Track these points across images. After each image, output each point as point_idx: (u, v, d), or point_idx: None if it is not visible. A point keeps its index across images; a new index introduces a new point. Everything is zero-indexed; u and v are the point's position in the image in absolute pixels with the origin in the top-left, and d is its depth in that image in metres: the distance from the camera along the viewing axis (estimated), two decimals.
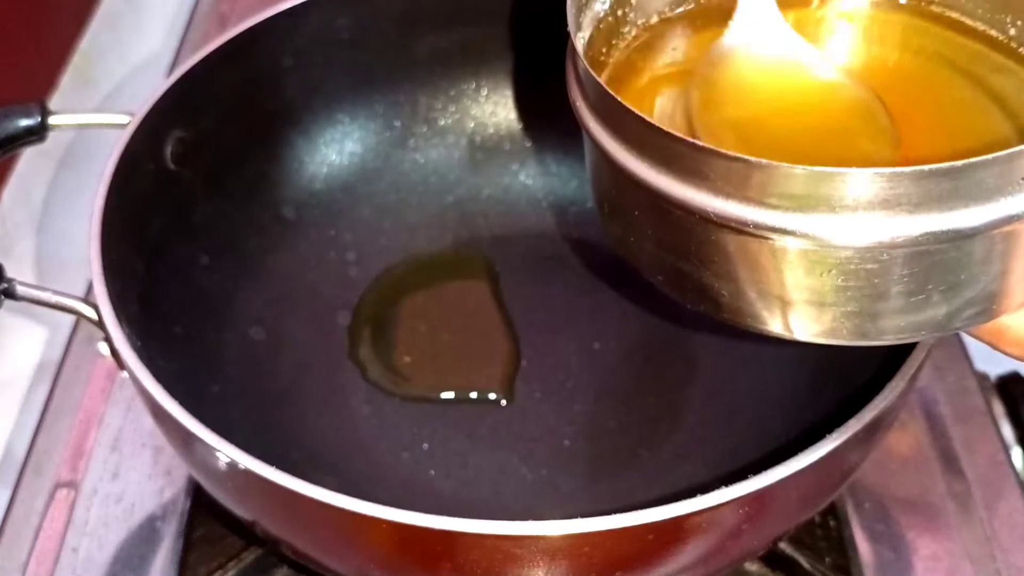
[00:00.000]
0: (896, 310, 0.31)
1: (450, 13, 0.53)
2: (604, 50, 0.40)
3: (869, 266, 0.30)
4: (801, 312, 0.32)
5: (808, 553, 0.44)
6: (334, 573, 0.38)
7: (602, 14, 0.39)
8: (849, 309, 0.31)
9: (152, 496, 0.48)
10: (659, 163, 0.32)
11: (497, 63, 0.56)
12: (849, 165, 0.29)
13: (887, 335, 0.32)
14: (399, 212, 0.56)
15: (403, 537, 0.33)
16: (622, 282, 0.54)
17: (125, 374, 0.38)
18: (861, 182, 0.28)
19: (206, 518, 0.46)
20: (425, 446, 0.47)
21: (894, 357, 0.37)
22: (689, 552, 0.35)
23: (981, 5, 0.38)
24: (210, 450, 0.34)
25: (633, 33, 0.40)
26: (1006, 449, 0.51)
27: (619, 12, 0.40)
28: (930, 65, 0.38)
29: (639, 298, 0.53)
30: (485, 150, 0.57)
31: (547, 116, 0.57)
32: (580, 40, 0.37)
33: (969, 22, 0.38)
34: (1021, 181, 0.29)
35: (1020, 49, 0.37)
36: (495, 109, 0.57)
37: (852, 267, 0.30)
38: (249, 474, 0.33)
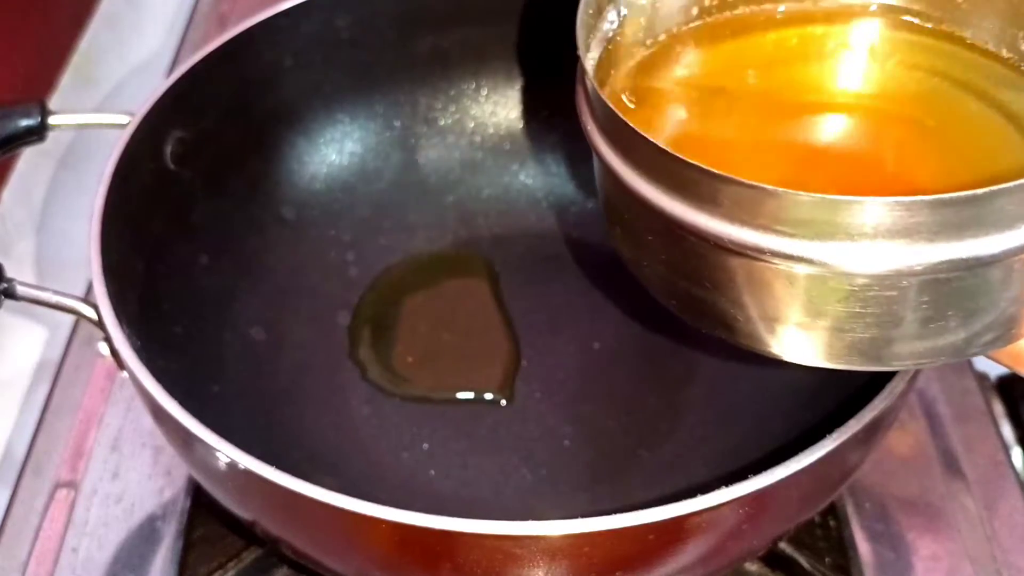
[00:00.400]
0: (913, 336, 0.31)
1: (450, 13, 0.53)
2: (612, 71, 0.39)
3: (887, 293, 0.30)
4: (818, 338, 0.32)
5: (808, 553, 0.44)
6: (334, 573, 0.38)
7: (611, 34, 0.39)
8: (867, 335, 0.31)
9: (152, 496, 0.48)
10: (673, 189, 0.32)
11: (497, 63, 0.56)
12: (855, 191, 0.29)
13: (905, 360, 0.32)
14: (399, 212, 0.56)
15: (403, 537, 0.33)
16: (622, 282, 0.53)
17: (125, 374, 0.38)
18: (880, 211, 0.28)
19: (206, 518, 0.46)
20: (425, 446, 0.47)
21: None
22: (689, 552, 0.35)
23: (992, 23, 0.38)
24: (210, 450, 0.34)
25: (641, 52, 0.40)
26: (1006, 449, 0.51)
27: (627, 31, 0.39)
28: (943, 86, 0.38)
29: (639, 298, 0.53)
30: (485, 150, 0.57)
31: (547, 116, 0.57)
32: (590, 62, 0.37)
33: (980, 43, 0.38)
34: None
35: None
36: (495, 109, 0.57)
37: (870, 294, 0.30)
38: (249, 474, 0.33)
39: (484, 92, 0.57)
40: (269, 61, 0.51)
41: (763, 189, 0.29)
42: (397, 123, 0.56)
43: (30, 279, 0.40)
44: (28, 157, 0.64)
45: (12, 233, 0.64)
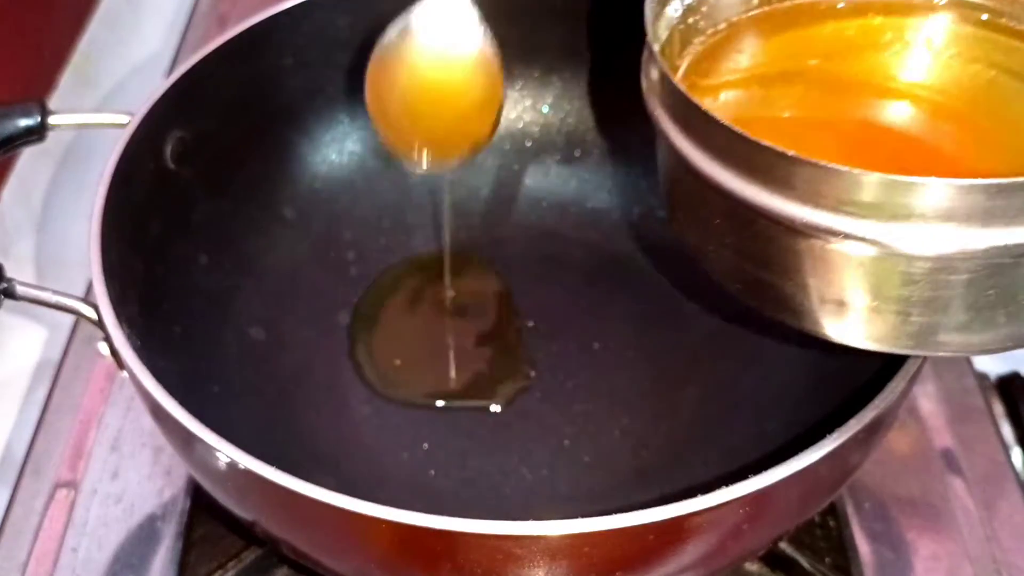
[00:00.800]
0: (965, 323, 0.32)
1: None
2: (675, 59, 0.40)
3: (945, 277, 0.31)
4: (875, 321, 0.33)
5: (808, 553, 0.44)
6: (334, 573, 0.38)
7: (674, 22, 0.40)
8: (922, 320, 0.32)
9: (152, 496, 0.48)
10: (745, 171, 0.32)
11: None
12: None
13: (955, 347, 0.33)
14: (399, 212, 0.56)
15: (403, 537, 0.33)
16: (622, 282, 0.54)
17: (125, 374, 0.38)
18: (944, 192, 0.29)
19: (206, 518, 0.46)
20: (425, 446, 0.47)
21: (894, 358, 0.37)
22: (689, 552, 0.35)
23: None
24: (210, 450, 0.34)
25: (702, 40, 0.40)
26: (1006, 449, 0.51)
27: (689, 20, 0.40)
28: (1001, 79, 0.38)
29: (639, 298, 0.53)
30: (485, 150, 0.57)
31: (547, 116, 0.57)
32: (658, 48, 0.37)
33: None
34: None
35: None
36: None
37: (929, 278, 0.31)
38: (249, 474, 0.33)
39: None
40: (269, 61, 0.51)
41: (835, 169, 0.30)
42: None
43: (30, 279, 0.40)
44: (28, 157, 0.64)
45: (12, 233, 0.64)
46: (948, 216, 0.29)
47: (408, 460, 0.47)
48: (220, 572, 0.44)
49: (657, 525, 0.32)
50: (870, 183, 0.30)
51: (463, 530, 0.32)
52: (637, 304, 0.53)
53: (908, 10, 0.40)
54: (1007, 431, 0.52)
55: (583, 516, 0.32)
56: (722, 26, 0.40)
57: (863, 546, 0.46)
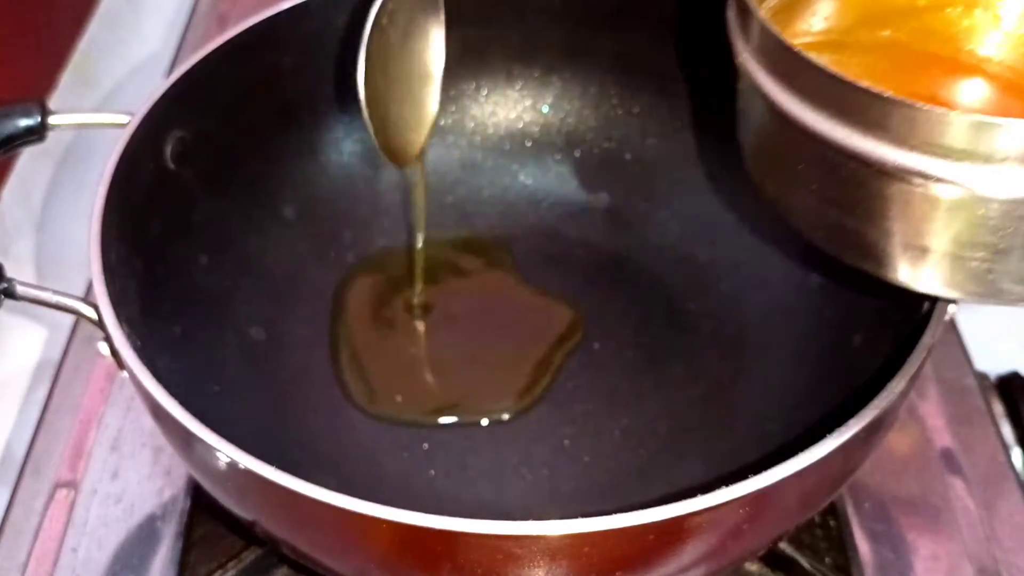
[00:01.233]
0: None
1: (449, 14, 0.53)
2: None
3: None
4: (953, 266, 0.34)
5: (808, 553, 0.44)
6: (334, 573, 0.38)
7: None
8: (996, 266, 0.33)
9: (152, 496, 0.48)
10: (836, 114, 0.32)
11: (497, 63, 0.56)
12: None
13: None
14: (399, 212, 0.56)
15: (403, 537, 0.33)
16: (622, 282, 0.54)
17: (125, 374, 0.38)
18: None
19: (206, 518, 0.46)
20: (425, 446, 0.47)
21: (894, 357, 0.37)
22: (689, 552, 0.35)
23: None
24: (210, 450, 0.34)
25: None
26: (1006, 449, 0.51)
27: None
28: None
29: (639, 298, 0.53)
30: (485, 150, 0.57)
31: (548, 116, 0.57)
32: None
33: None
34: None
35: None
36: (495, 109, 0.57)
37: (1007, 221, 0.32)
38: (249, 474, 0.33)
39: (484, 92, 0.57)
40: (269, 61, 0.51)
41: (928, 110, 0.30)
42: None
43: (30, 279, 0.40)
44: (28, 156, 0.64)
45: (12, 233, 0.64)
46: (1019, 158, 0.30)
47: (408, 460, 0.47)
48: (220, 572, 0.44)
49: (657, 525, 0.32)
50: (962, 124, 0.30)
51: (463, 530, 0.32)
52: (637, 304, 0.53)
53: None
54: (1007, 431, 0.52)
55: (583, 516, 0.32)
56: None
57: (863, 546, 0.46)
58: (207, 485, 0.39)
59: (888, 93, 0.31)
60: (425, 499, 0.45)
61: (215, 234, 0.49)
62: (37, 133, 0.45)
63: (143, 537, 0.47)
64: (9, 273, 0.40)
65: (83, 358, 0.54)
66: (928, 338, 0.37)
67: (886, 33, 0.39)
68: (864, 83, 0.32)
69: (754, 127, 0.38)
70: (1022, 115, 0.37)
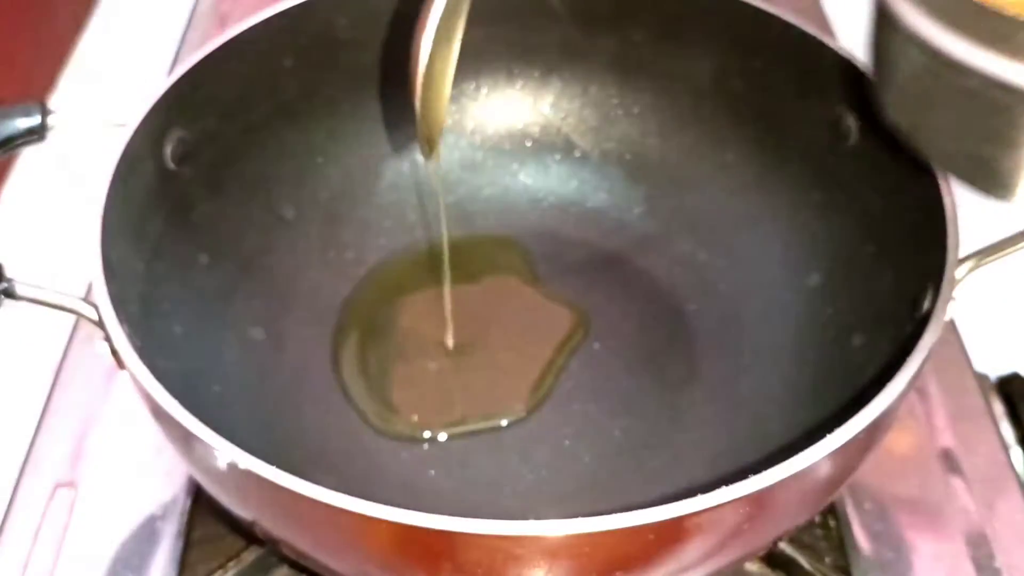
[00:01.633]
0: None
1: None
2: None
3: None
4: None
5: (808, 553, 0.44)
6: (334, 573, 0.38)
7: None
8: None
9: (152, 496, 0.48)
10: (979, 40, 0.34)
11: (497, 63, 0.56)
12: None
13: None
14: (399, 212, 0.56)
15: (403, 537, 0.33)
16: (622, 282, 0.54)
17: (125, 374, 0.38)
18: None
19: (206, 518, 0.46)
20: (425, 446, 0.47)
21: (894, 358, 0.37)
22: (689, 552, 0.35)
23: None
24: (210, 450, 0.34)
25: None
26: (1006, 449, 0.51)
27: None
28: None
29: (639, 298, 0.53)
30: (485, 150, 0.57)
31: (548, 117, 0.57)
32: None
33: None
34: None
35: None
36: (495, 109, 0.57)
37: None
38: (249, 474, 0.33)
39: (484, 92, 0.57)
40: (269, 61, 0.51)
41: None
42: (397, 123, 0.56)
43: (30, 279, 0.40)
44: (28, 157, 0.64)
45: (12, 232, 0.64)
46: None
47: (408, 460, 0.47)
48: (220, 572, 0.44)
49: (657, 525, 0.32)
50: None
51: (463, 530, 0.32)
52: (637, 304, 0.53)
53: None
54: (1007, 431, 0.52)
55: (583, 516, 0.32)
56: None
57: (863, 546, 0.46)
58: (207, 485, 0.40)
59: None
60: (425, 499, 0.45)
61: (215, 234, 0.49)
62: (37, 133, 0.45)
63: (143, 537, 0.47)
64: (9, 273, 0.40)
65: (83, 358, 0.54)
66: (928, 339, 0.37)
67: None
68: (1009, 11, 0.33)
69: (891, 57, 0.40)
70: None
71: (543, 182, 0.57)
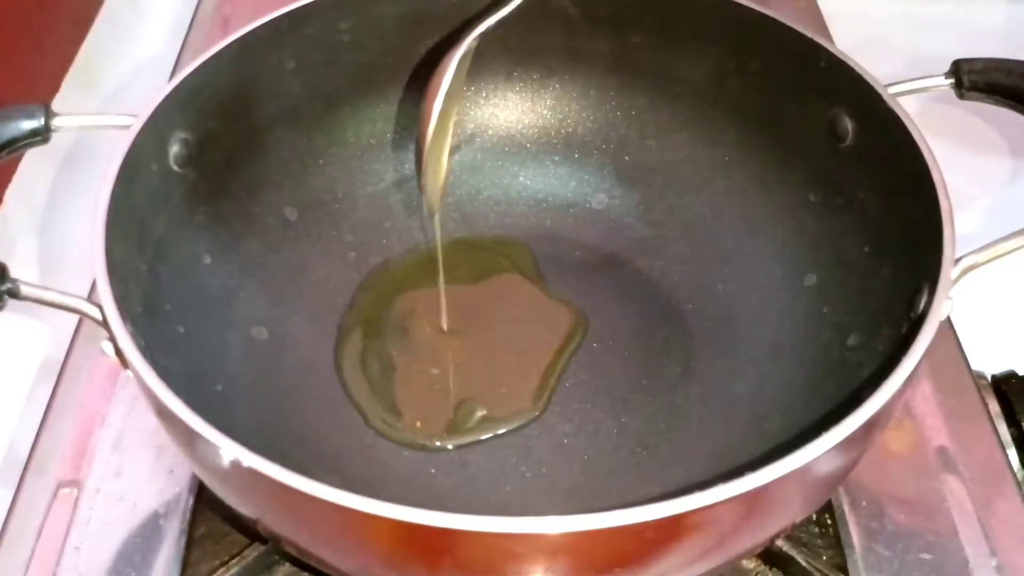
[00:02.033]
0: None
1: (450, 16, 0.54)
2: None
3: None
4: None
5: (805, 551, 0.45)
6: (336, 570, 0.39)
7: None
8: None
9: (155, 494, 0.48)
10: None
11: (497, 66, 0.56)
12: None
13: None
14: (400, 213, 0.56)
15: (404, 534, 0.33)
16: (621, 282, 0.54)
17: (128, 373, 0.38)
18: None
19: (209, 516, 0.47)
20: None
21: (891, 356, 0.38)
22: (687, 549, 0.35)
23: None
24: (213, 448, 0.34)
25: None
26: (1003, 448, 0.51)
27: None
28: None
29: (638, 298, 0.53)
30: (485, 151, 0.57)
31: (547, 118, 0.57)
32: None
33: None
34: None
35: None
36: (495, 111, 0.57)
37: None
38: (252, 472, 0.34)
39: (484, 94, 0.57)
40: (271, 63, 0.51)
41: None
42: (398, 125, 0.56)
43: (34, 279, 0.41)
44: (31, 158, 0.64)
45: (16, 233, 0.64)
46: None
47: (409, 458, 0.47)
48: (223, 569, 0.45)
49: (655, 522, 0.32)
50: None
51: (463, 527, 0.32)
52: (636, 304, 0.53)
53: None
54: (1003, 430, 0.52)
55: (582, 513, 0.32)
56: None
57: (859, 544, 0.46)
58: (210, 483, 0.40)
59: None
60: (426, 496, 0.45)
61: (218, 235, 0.50)
62: (41, 135, 0.45)
63: (146, 535, 0.47)
64: (13, 273, 0.40)
65: (87, 357, 0.54)
66: (924, 338, 0.37)
67: None
68: None
69: None
70: None
71: (542, 183, 0.57)
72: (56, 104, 0.65)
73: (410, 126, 0.56)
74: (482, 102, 0.57)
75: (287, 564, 0.45)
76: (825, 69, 0.48)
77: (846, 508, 0.47)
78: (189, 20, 0.77)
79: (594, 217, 0.56)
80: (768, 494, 0.34)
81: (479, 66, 0.56)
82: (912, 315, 0.41)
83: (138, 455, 0.50)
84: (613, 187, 0.56)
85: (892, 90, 0.46)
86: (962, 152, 0.69)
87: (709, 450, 0.46)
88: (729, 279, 0.52)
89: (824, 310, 0.48)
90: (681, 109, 0.55)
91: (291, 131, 0.53)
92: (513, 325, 0.52)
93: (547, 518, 0.32)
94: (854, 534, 0.47)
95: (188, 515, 0.47)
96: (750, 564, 0.45)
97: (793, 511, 0.38)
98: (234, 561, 0.45)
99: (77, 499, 0.49)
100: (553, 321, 0.52)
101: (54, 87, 0.70)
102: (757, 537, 0.39)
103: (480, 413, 0.48)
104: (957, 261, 0.40)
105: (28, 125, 0.44)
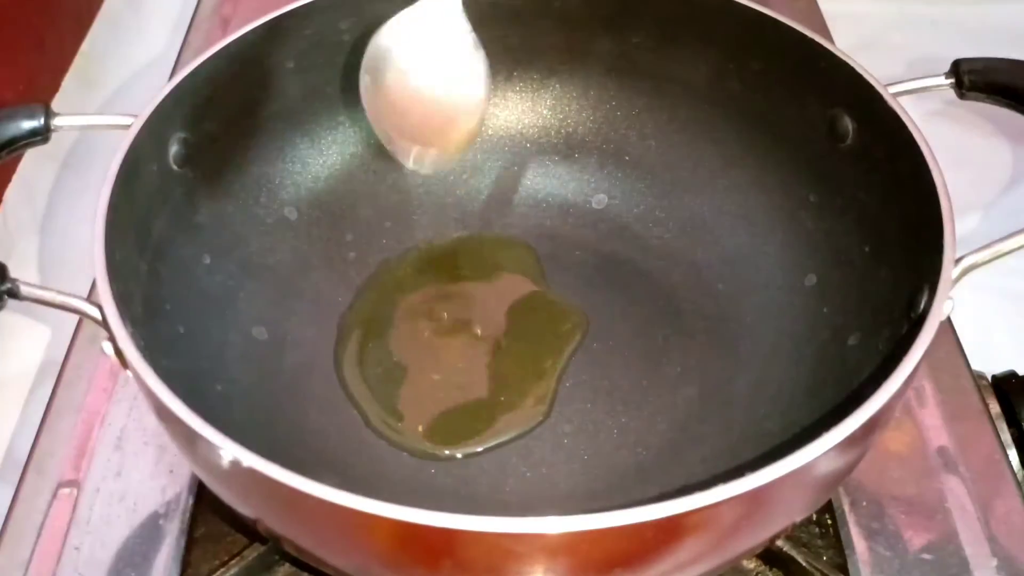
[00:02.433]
0: None
1: None
2: None
3: None
4: None
5: (805, 551, 0.45)
6: (336, 570, 0.39)
7: None
8: None
9: (155, 494, 0.49)
10: None
11: (497, 65, 0.56)
12: None
13: None
14: (400, 213, 0.56)
15: (404, 534, 0.33)
16: (621, 282, 0.54)
17: (128, 373, 0.38)
18: None
19: (209, 516, 0.47)
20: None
21: (892, 357, 0.38)
22: (687, 549, 0.35)
23: None
24: (213, 448, 0.34)
25: None
26: (1003, 448, 0.51)
27: None
28: None
29: (637, 298, 0.53)
30: (485, 151, 0.57)
31: (547, 118, 0.57)
32: None
33: None
34: None
35: None
36: (495, 111, 0.57)
37: None
38: (252, 472, 0.34)
39: None
40: (271, 63, 0.51)
41: None
42: None
43: (34, 279, 0.41)
44: (31, 158, 0.65)
45: (16, 233, 0.64)
46: None
47: (409, 458, 0.47)
48: (223, 570, 0.45)
49: (655, 523, 0.32)
50: None
51: (463, 527, 0.32)
52: (635, 304, 0.53)
53: None
54: (1003, 430, 0.52)
55: (582, 513, 0.32)
56: None
57: (860, 544, 0.46)
58: (210, 483, 0.40)
59: None
60: (426, 496, 0.45)
61: (218, 235, 0.50)
62: (41, 135, 0.45)
63: (146, 535, 0.47)
64: (13, 273, 0.40)
65: (86, 358, 0.54)
66: (924, 338, 0.37)
67: None
68: None
69: None
70: None
71: (542, 183, 0.57)
72: (56, 104, 0.65)
73: None
74: None
75: (287, 564, 0.45)
76: (825, 69, 0.48)
77: (846, 508, 0.47)
78: (189, 20, 0.77)
79: (594, 217, 0.56)
80: (768, 494, 0.34)
81: None
82: (912, 315, 0.41)
83: (138, 455, 0.50)
84: (613, 187, 0.56)
85: (892, 90, 0.46)
86: (962, 152, 0.69)
87: (709, 450, 0.46)
88: (729, 279, 0.52)
89: (824, 310, 0.48)
90: (681, 109, 0.55)
91: (291, 131, 0.53)
92: (514, 325, 0.52)
93: (547, 518, 0.32)
94: (854, 534, 0.47)
95: (188, 515, 0.47)
96: (750, 564, 0.45)
97: (793, 511, 0.38)
98: (234, 561, 0.45)
99: (77, 499, 0.49)
100: (554, 321, 0.52)
101: (54, 87, 0.70)
102: (757, 537, 0.39)
103: (486, 421, 0.48)
104: (957, 261, 0.40)
105: (28, 125, 0.45)
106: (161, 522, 0.48)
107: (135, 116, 0.45)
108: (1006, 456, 0.50)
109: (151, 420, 0.40)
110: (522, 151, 0.57)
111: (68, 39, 0.73)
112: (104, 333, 0.39)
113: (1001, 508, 0.48)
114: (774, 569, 0.45)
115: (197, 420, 0.35)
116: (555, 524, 0.32)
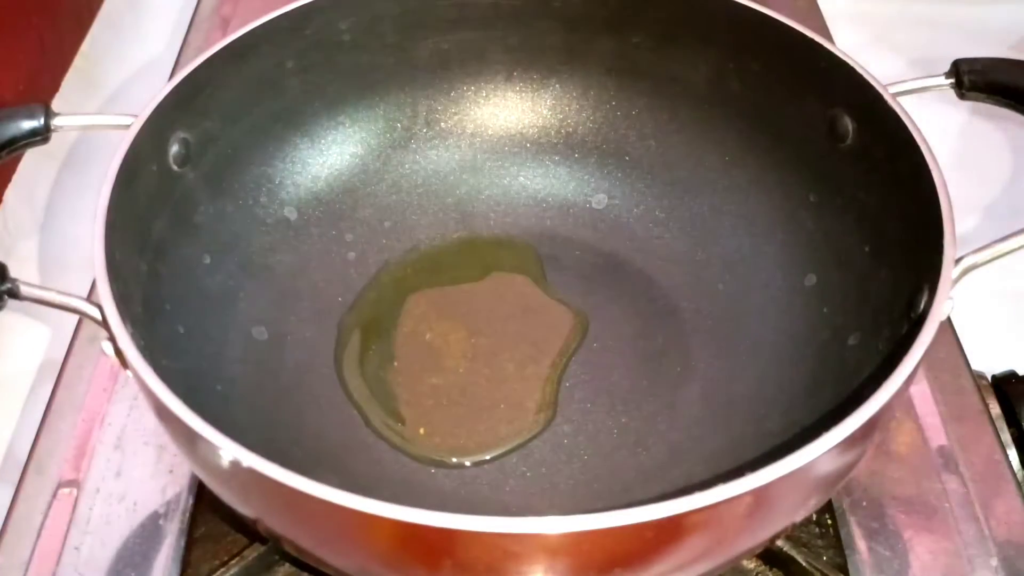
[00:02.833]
0: None
1: (451, 16, 0.54)
2: None
3: None
4: None
5: (805, 551, 0.45)
6: (336, 570, 0.39)
7: None
8: None
9: (155, 494, 0.49)
10: None
11: (497, 65, 0.56)
12: None
13: None
14: (400, 213, 0.56)
15: (404, 534, 0.33)
16: (621, 282, 0.54)
17: (128, 373, 0.38)
18: None
19: (209, 516, 0.47)
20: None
21: (892, 357, 0.38)
22: (687, 549, 0.35)
23: None
24: (213, 448, 0.34)
25: None
26: (1003, 448, 0.51)
27: None
28: None
29: (638, 298, 0.53)
30: (485, 151, 0.57)
31: (547, 118, 0.57)
32: None
33: None
34: None
35: None
36: (495, 111, 0.57)
37: None
38: (252, 472, 0.34)
39: (484, 94, 0.57)
40: (271, 63, 0.51)
41: None
42: (398, 125, 0.56)
43: (34, 279, 0.41)
44: (31, 158, 0.65)
45: (16, 233, 0.64)
46: None
47: (409, 458, 0.47)
48: (223, 570, 0.45)
49: (656, 522, 0.32)
50: None
51: (463, 527, 0.32)
52: (636, 304, 0.53)
53: None
54: (1003, 430, 0.52)
55: (582, 513, 0.32)
56: None
57: (860, 544, 0.46)
58: (210, 483, 0.40)
59: None
60: (426, 497, 0.45)
61: (218, 234, 0.50)
62: (41, 135, 0.45)
63: (146, 535, 0.47)
64: (13, 273, 0.40)
65: (86, 358, 0.54)
66: (924, 338, 0.37)
67: None
68: None
69: None
70: None
71: (542, 183, 0.57)
72: (56, 104, 0.65)
73: (410, 126, 0.56)
74: (482, 102, 0.57)
75: (287, 564, 0.45)
76: (825, 69, 0.48)
77: (846, 508, 0.47)
78: (189, 20, 0.77)
79: (594, 217, 0.56)
80: (768, 494, 0.34)
81: (479, 66, 0.56)
82: (912, 315, 0.41)
83: (138, 455, 0.50)
84: (613, 187, 0.56)
85: (892, 90, 0.46)
86: (962, 152, 0.69)
87: (709, 450, 0.46)
88: (729, 279, 0.52)
89: (824, 310, 0.48)
90: (681, 109, 0.55)
91: (291, 131, 0.53)
92: (513, 326, 0.52)
93: (547, 518, 0.32)
94: (855, 534, 0.47)
95: (188, 515, 0.47)
96: (750, 564, 0.45)
97: (793, 511, 0.38)
98: (234, 561, 0.45)
99: (77, 499, 0.49)
100: (553, 322, 0.52)
101: (54, 87, 0.70)
102: (757, 537, 0.39)
103: (489, 427, 0.48)
104: (957, 261, 0.40)
105: (28, 125, 0.45)
106: (161, 522, 0.48)
107: (135, 116, 0.45)
108: (1006, 456, 0.50)
109: (151, 420, 0.40)
110: (522, 151, 0.57)
111: (68, 39, 0.73)
112: (104, 333, 0.39)
113: (1001, 508, 0.48)
114: (774, 569, 0.45)
115: (197, 420, 0.35)
116: (555, 524, 0.32)
